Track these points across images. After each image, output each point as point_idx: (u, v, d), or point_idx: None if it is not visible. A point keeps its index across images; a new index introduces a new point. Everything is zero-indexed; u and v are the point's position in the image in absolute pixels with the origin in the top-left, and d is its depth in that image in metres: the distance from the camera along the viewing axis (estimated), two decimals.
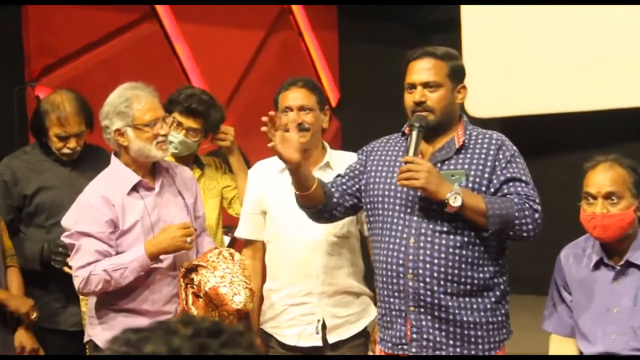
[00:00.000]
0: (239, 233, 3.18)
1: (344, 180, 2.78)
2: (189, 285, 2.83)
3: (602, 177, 2.60)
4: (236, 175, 3.48)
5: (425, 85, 2.61)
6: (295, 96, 3.01)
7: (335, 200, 2.73)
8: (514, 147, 2.65)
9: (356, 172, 2.79)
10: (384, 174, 2.70)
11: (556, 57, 6.15)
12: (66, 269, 3.06)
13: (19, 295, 3.17)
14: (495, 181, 2.57)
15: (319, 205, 2.70)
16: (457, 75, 2.67)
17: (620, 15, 5.85)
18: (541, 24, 6.20)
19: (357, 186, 2.77)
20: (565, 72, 6.12)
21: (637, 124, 5.91)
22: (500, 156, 2.59)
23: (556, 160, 6.36)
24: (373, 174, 2.72)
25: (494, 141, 2.62)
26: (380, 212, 2.68)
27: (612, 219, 2.58)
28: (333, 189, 2.75)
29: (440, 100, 2.61)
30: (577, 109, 6.09)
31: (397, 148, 2.73)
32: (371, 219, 2.73)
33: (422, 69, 2.63)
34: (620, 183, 2.59)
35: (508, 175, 2.57)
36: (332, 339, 2.99)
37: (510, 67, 6.33)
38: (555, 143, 6.44)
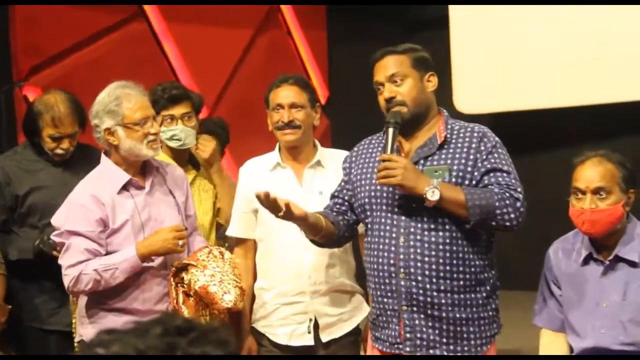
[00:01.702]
0: (230, 231, 3.17)
1: (338, 201, 2.81)
2: (179, 285, 2.82)
3: (591, 172, 2.61)
4: (218, 191, 3.43)
5: (391, 79, 2.63)
6: (287, 94, 3.00)
7: (342, 225, 2.78)
8: (496, 138, 2.65)
9: (343, 183, 2.82)
10: (368, 175, 2.71)
11: (545, 52, 6.17)
12: (55, 252, 3.02)
13: (1, 304, 3.14)
14: (476, 173, 2.57)
15: (333, 237, 2.76)
16: (422, 64, 2.67)
17: (609, 10, 5.87)
18: (530, 20, 6.22)
19: (350, 200, 2.79)
20: (555, 67, 6.14)
21: (627, 119, 5.94)
22: (482, 148, 2.59)
23: (546, 155, 6.38)
24: (359, 177, 2.74)
25: (475, 134, 2.62)
26: (369, 213, 2.68)
27: (600, 214, 2.59)
28: (334, 213, 2.79)
29: (409, 91, 2.62)
30: (567, 104, 6.11)
31: (378, 148, 2.74)
32: (364, 221, 2.74)
33: (384, 66, 2.65)
34: (609, 178, 2.59)
35: (489, 166, 2.57)
36: (325, 337, 2.99)
37: (500, 63, 6.34)
38: (544, 138, 6.46)
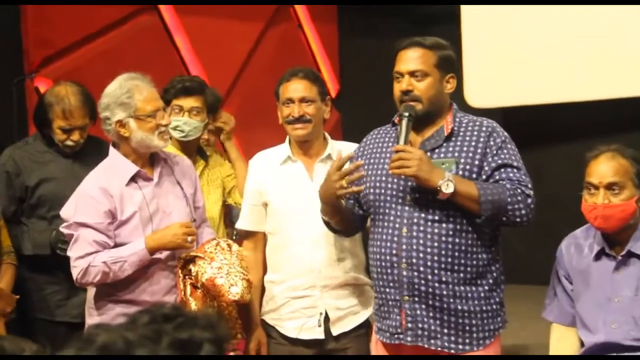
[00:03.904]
0: (240, 224, 3.17)
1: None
2: (187, 277, 2.83)
3: (604, 167, 2.60)
4: (234, 162, 3.50)
5: (412, 74, 2.62)
6: (297, 87, 2.99)
7: (355, 215, 2.79)
8: (505, 134, 2.65)
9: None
10: (374, 165, 2.71)
11: (556, 46, 6.14)
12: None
13: (7, 293, 3.15)
14: (486, 168, 2.57)
15: (347, 224, 2.78)
16: (445, 64, 2.66)
17: (619, 4, 5.84)
18: (541, 14, 6.19)
19: (356, 195, 2.77)
20: (566, 61, 6.10)
21: (639, 114, 5.91)
22: (491, 143, 2.59)
23: (557, 149, 6.36)
24: (366, 167, 2.73)
25: (484, 128, 2.62)
26: (373, 203, 2.69)
27: (613, 209, 2.58)
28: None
29: (427, 89, 2.61)
30: (578, 99, 6.09)
31: (386, 139, 2.74)
32: (368, 211, 2.74)
33: (409, 58, 2.63)
34: (622, 173, 2.58)
35: (499, 161, 2.57)
36: (335, 330, 2.99)
37: (510, 57, 6.32)
38: (555, 133, 6.43)
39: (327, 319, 2.98)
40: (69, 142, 3.25)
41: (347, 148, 3.01)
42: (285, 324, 3.02)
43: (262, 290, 3.11)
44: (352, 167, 2.60)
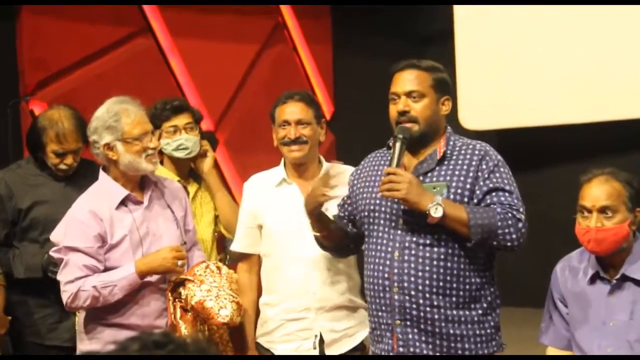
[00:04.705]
0: (235, 247, 3.16)
1: (340, 214, 2.83)
2: (176, 300, 2.83)
3: (597, 190, 2.60)
4: (215, 193, 3.44)
5: (409, 94, 2.63)
6: (293, 110, 3.00)
7: (350, 234, 2.80)
8: (499, 157, 2.64)
9: (345, 197, 2.83)
10: (369, 189, 2.72)
11: (551, 68, 6.18)
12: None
13: (1, 315, 3.14)
14: (478, 192, 2.57)
15: (340, 243, 2.78)
16: (441, 86, 2.67)
17: (615, 26, 5.88)
18: (535, 36, 6.23)
19: (350, 215, 2.80)
20: (560, 83, 6.14)
21: (634, 136, 5.93)
22: (484, 166, 2.59)
23: (552, 172, 6.37)
24: (360, 190, 2.74)
25: (477, 151, 2.62)
26: (367, 226, 2.69)
27: (606, 233, 2.58)
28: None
29: (423, 110, 2.62)
30: (573, 121, 6.11)
31: (382, 162, 2.75)
32: (364, 233, 2.74)
33: (406, 79, 2.65)
34: (615, 197, 2.58)
35: (491, 185, 2.57)
36: (330, 353, 2.97)
37: (505, 79, 6.35)
38: (550, 155, 6.46)
39: (321, 341, 2.97)
40: (62, 166, 3.25)
41: (341, 170, 3.01)
42: (280, 347, 3.01)
43: (257, 313, 3.10)
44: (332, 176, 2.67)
